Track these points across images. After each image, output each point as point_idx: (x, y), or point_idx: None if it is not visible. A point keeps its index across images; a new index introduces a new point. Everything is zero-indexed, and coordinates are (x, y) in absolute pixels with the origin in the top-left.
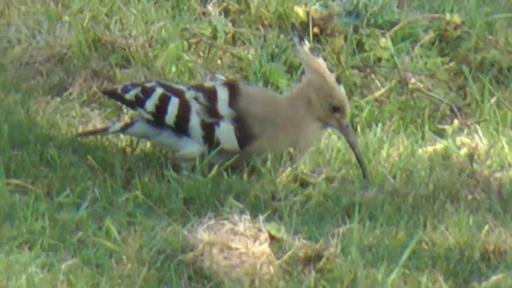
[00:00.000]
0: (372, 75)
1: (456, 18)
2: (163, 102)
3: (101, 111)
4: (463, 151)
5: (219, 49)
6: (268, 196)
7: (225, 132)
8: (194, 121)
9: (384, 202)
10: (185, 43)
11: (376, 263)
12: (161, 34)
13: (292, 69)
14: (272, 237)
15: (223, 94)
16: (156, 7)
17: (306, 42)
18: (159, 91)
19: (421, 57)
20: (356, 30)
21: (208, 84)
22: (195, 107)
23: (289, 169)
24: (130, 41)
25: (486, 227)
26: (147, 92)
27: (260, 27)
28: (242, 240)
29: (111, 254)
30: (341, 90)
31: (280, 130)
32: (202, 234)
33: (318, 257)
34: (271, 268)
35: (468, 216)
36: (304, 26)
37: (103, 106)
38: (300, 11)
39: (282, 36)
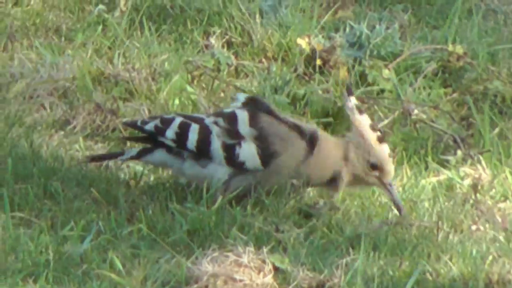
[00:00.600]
0: (376, 107)
1: (459, 49)
2: (183, 129)
3: (104, 144)
4: (467, 182)
5: (222, 81)
6: (272, 228)
7: (247, 151)
8: (215, 144)
9: (388, 233)
10: (188, 75)
11: None
12: (164, 67)
13: (295, 101)
14: (276, 269)
15: (242, 116)
16: (159, 40)
17: (353, 98)
18: (178, 119)
19: (424, 88)
20: (359, 61)
21: (227, 110)
22: (215, 130)
23: (292, 201)
24: (133, 74)
25: (490, 257)
26: (166, 122)
27: (263, 60)
28: (246, 272)
29: (116, 287)
30: (382, 148)
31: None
32: (206, 266)
33: None
34: None
35: (472, 246)
36: (307, 58)
37: (106, 139)
38: (303, 43)
39: (285, 68)
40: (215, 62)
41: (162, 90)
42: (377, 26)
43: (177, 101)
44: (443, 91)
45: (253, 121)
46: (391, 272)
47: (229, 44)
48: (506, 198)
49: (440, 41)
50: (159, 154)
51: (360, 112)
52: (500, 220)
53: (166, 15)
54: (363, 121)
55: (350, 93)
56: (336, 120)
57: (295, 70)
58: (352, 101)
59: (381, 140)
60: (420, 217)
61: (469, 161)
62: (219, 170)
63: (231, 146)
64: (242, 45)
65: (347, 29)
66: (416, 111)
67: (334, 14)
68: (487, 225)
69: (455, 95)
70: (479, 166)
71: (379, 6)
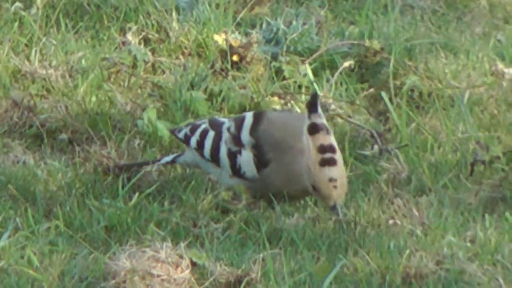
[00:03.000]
0: (292, 102)
1: (376, 44)
2: (202, 137)
3: (22, 141)
4: (384, 176)
5: (139, 78)
6: (189, 223)
7: (246, 160)
8: (223, 151)
9: (306, 228)
10: (105, 72)
11: None
12: (81, 64)
13: (212, 97)
14: (193, 264)
15: (248, 123)
16: (76, 37)
17: (314, 116)
18: (203, 126)
19: (341, 83)
20: (275, 57)
21: (243, 114)
22: (224, 137)
23: (210, 196)
24: (50, 71)
25: (407, 251)
26: (194, 130)
27: (180, 56)
28: (163, 267)
29: (33, 283)
30: (321, 172)
31: (297, 156)
32: (124, 262)
33: (239, 283)
34: None
35: (389, 241)
36: (224, 54)
37: (23, 137)
38: (219, 39)
39: (201, 64)
40: (131, 59)
41: (79, 87)
42: (294, 22)
43: (94, 98)
44: (360, 87)
45: (254, 128)
46: (308, 267)
47: (146, 41)
48: (423, 193)
49: (356, 37)
50: (189, 154)
51: (319, 130)
52: (417, 214)
53: (83, 12)
54: (312, 140)
55: (313, 109)
56: None
57: (212, 66)
58: (313, 118)
59: (323, 163)
60: (338, 211)
61: (386, 156)
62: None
63: (234, 154)
64: (159, 41)
65: (264, 25)
66: (333, 107)
67: (250, 10)
68: (404, 220)
69: (372, 90)
70: (396, 161)
71: (296, 2)
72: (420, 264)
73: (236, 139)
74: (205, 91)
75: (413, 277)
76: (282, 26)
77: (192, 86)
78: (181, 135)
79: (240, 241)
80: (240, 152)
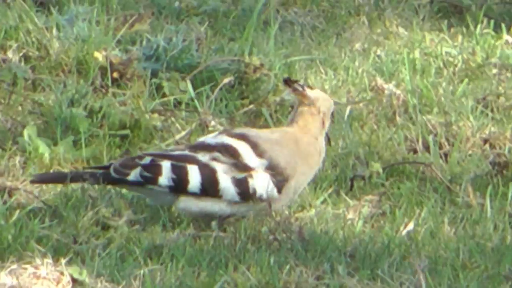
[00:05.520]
0: (173, 119)
1: (255, 61)
2: (179, 173)
3: None
4: None
5: (20, 95)
6: (70, 239)
7: (262, 182)
8: (224, 181)
9: (186, 244)
10: None
11: None
12: None
13: (92, 114)
14: (74, 281)
15: (243, 148)
16: None
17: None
18: (167, 164)
19: (221, 99)
20: (155, 74)
21: (212, 142)
22: (220, 167)
23: (90, 212)
24: None
25: (287, 266)
26: (152, 169)
27: (61, 73)
28: (45, 284)
29: None
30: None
31: (307, 161)
32: (5, 279)
33: None
34: None
35: (270, 256)
36: (104, 71)
37: None
38: (99, 56)
39: (82, 81)
40: (12, 76)
41: None
42: (174, 39)
43: None
44: (240, 103)
45: (257, 150)
46: (189, 283)
47: (26, 58)
48: (303, 208)
49: (237, 53)
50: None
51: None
52: (297, 229)
53: None
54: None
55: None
56: (133, 132)
57: (92, 83)
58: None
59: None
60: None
61: None
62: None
63: (242, 180)
64: (39, 59)
65: (144, 42)
66: (213, 123)
67: (130, 27)
68: (284, 235)
69: (252, 106)
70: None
71: (176, 19)
72: (300, 279)
73: (238, 166)
74: (85, 108)
75: None
76: (162, 43)
77: (72, 103)
78: (134, 177)
79: (120, 257)
80: (251, 176)
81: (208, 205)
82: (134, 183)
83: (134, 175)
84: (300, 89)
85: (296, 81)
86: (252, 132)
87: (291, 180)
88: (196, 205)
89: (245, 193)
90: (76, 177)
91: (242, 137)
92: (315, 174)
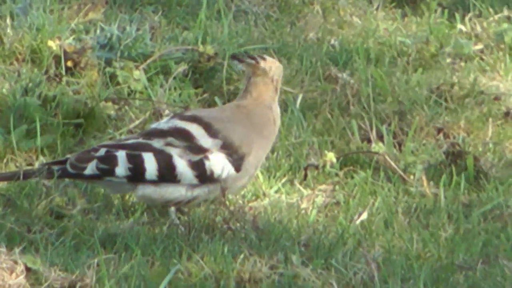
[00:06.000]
0: (126, 107)
1: (209, 50)
2: (136, 162)
3: None
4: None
5: None
6: (24, 228)
7: (218, 162)
8: (181, 165)
9: (140, 233)
10: None
11: None
12: None
13: (46, 102)
14: (28, 270)
15: (195, 130)
16: None
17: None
18: (121, 153)
19: (175, 88)
20: (109, 63)
21: (165, 126)
22: (175, 152)
23: (44, 201)
24: None
25: (242, 256)
26: (107, 160)
27: (14, 62)
28: None
29: None
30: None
31: (262, 134)
32: None
33: None
34: None
35: (223, 245)
36: (58, 60)
37: None
38: (53, 45)
39: (36, 70)
40: None
41: None
42: (128, 28)
43: None
44: (194, 92)
45: (210, 131)
46: (143, 272)
47: None
48: (257, 197)
49: (190, 42)
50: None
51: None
52: (251, 219)
53: None
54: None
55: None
56: (87, 121)
57: (46, 72)
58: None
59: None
60: (173, 216)
61: None
62: (183, 189)
63: (199, 162)
64: None
65: (98, 31)
66: (167, 112)
67: (84, 16)
68: (238, 224)
69: (206, 95)
70: None
71: (130, 8)
72: (254, 268)
73: (193, 148)
74: (39, 96)
75: (247, 281)
76: (116, 32)
77: (26, 92)
78: (90, 171)
79: (74, 246)
80: (207, 158)
81: (168, 191)
82: (91, 177)
83: (90, 168)
84: (253, 61)
85: (244, 54)
86: (203, 112)
87: (248, 156)
88: (156, 192)
89: (202, 175)
90: (33, 174)
91: (194, 119)
92: (273, 143)
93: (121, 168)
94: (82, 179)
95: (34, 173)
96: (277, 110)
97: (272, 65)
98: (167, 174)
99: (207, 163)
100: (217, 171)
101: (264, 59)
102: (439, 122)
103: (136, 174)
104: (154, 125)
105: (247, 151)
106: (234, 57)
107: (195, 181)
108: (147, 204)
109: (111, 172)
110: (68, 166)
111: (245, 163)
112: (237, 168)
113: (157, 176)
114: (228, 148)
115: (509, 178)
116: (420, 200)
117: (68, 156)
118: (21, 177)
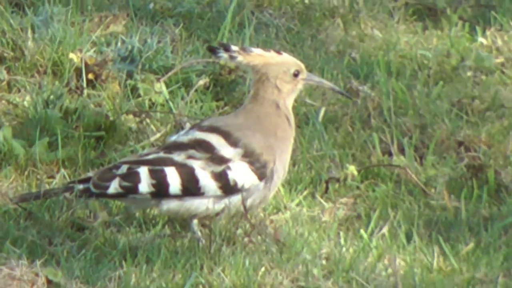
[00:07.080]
0: (148, 120)
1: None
2: (158, 178)
3: None
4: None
5: None
6: (45, 241)
7: (241, 171)
8: (204, 177)
9: (161, 246)
10: None
11: None
12: None
13: (68, 115)
14: (49, 282)
15: (216, 140)
16: None
17: (232, 49)
18: (143, 169)
19: (196, 101)
20: (130, 75)
21: (184, 139)
22: (197, 164)
23: (65, 214)
24: None
25: (263, 269)
26: (130, 178)
27: (36, 74)
28: (19, 285)
29: None
30: (287, 56)
31: (276, 136)
32: None
33: None
34: None
35: (244, 258)
36: (79, 72)
37: None
38: (74, 57)
39: (57, 82)
40: None
41: None
42: (149, 40)
43: None
44: (215, 104)
45: (230, 140)
46: (164, 285)
47: (1, 59)
48: (278, 210)
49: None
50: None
51: (248, 50)
52: (272, 232)
53: None
54: (258, 54)
55: (226, 49)
56: (108, 133)
57: (67, 85)
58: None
59: (279, 52)
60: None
61: None
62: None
63: (221, 173)
64: (14, 60)
65: (119, 43)
66: (188, 124)
67: (105, 28)
68: (259, 237)
69: (227, 108)
70: None
71: (151, 20)
72: (275, 281)
73: (214, 159)
74: (60, 109)
75: None
76: (137, 44)
77: (47, 104)
78: (114, 190)
79: (95, 259)
80: (229, 168)
81: (193, 204)
82: (115, 196)
83: (113, 187)
84: (225, 55)
85: (227, 45)
86: (220, 121)
87: (270, 164)
88: (181, 206)
89: (226, 186)
90: (57, 193)
91: (213, 129)
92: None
93: (144, 185)
94: (106, 198)
95: (57, 193)
96: (288, 107)
97: (264, 62)
98: (191, 187)
99: (230, 173)
100: (240, 181)
101: (248, 52)
102: (460, 136)
103: (160, 190)
104: (173, 138)
105: (269, 159)
106: (209, 48)
107: (219, 192)
108: (169, 217)
109: (134, 189)
110: (91, 186)
111: (273, 170)
112: (260, 177)
113: (181, 190)
114: (250, 156)
115: None
116: (441, 213)
117: (90, 174)
118: (43, 195)
